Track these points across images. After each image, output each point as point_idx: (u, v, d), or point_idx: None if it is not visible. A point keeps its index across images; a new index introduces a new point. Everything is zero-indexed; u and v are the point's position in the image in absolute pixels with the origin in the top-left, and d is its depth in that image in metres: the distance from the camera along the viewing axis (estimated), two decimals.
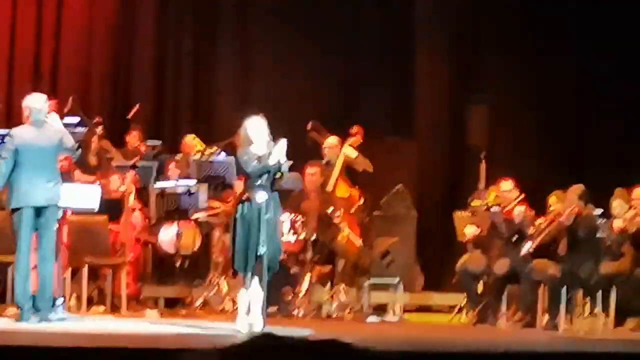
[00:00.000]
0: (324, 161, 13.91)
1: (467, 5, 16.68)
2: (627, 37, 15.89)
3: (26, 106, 11.10)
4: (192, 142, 14.30)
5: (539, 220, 12.67)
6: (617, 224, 12.52)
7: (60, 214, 11.13)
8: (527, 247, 12.37)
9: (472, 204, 13.77)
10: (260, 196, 10.63)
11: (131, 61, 16.96)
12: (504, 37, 16.47)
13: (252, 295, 10.64)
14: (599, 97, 16.15)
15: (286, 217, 12.64)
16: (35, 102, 11.09)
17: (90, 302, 12.52)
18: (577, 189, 12.46)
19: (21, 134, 11.00)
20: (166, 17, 17.07)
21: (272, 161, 10.59)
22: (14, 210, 10.89)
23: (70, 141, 11.03)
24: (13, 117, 15.70)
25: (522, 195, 13.06)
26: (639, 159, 14.07)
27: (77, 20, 16.77)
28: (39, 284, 10.89)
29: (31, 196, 10.77)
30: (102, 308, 12.55)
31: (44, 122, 11.03)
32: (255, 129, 10.80)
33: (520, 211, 12.79)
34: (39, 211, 10.82)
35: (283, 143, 10.66)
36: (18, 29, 16.58)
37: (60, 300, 11.22)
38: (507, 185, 13.24)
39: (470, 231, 13.13)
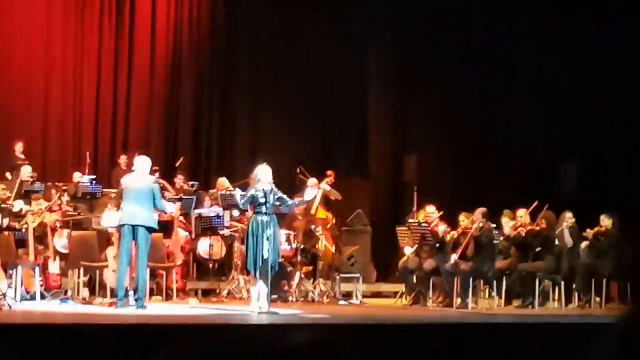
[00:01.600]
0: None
1: (403, 90, 16.73)
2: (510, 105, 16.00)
3: (134, 162, 11.35)
4: (223, 182, 14.28)
5: (453, 232, 12.66)
6: (507, 230, 12.55)
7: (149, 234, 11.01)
8: (454, 257, 12.30)
9: (409, 221, 13.72)
10: (264, 218, 10.63)
11: (177, 127, 16.86)
12: (428, 112, 16.50)
13: (260, 287, 10.57)
14: (492, 151, 16.20)
15: (283, 232, 12.47)
16: (138, 161, 11.30)
17: (151, 293, 12.30)
18: (482, 210, 12.37)
19: (125, 179, 11.22)
20: (201, 97, 17.09)
21: (271, 200, 10.59)
22: (120, 226, 10.99)
23: (159, 202, 11.13)
24: (98, 165, 15.72)
25: (438, 215, 13.00)
26: (518, 192, 14.03)
27: (141, 98, 16.76)
28: (138, 281, 10.86)
29: (129, 218, 10.82)
30: (159, 297, 12.44)
31: (143, 173, 11.11)
32: (263, 173, 10.79)
33: (442, 228, 12.77)
34: (135, 229, 10.82)
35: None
36: (101, 106, 16.58)
37: (131, 292, 11.17)
38: (430, 208, 13.10)
39: (407, 251, 13.07)
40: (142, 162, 11.21)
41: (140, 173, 11.09)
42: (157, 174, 14.45)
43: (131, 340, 7.62)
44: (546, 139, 15.90)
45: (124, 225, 10.84)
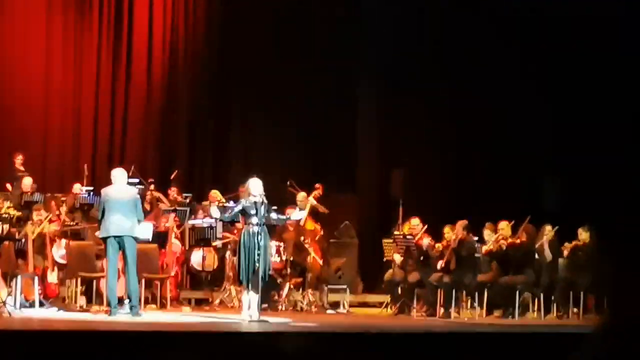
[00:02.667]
0: (297, 207, 13.90)
1: (390, 108, 16.77)
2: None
3: (112, 175, 11.24)
4: (215, 194, 14.29)
5: (437, 245, 12.70)
6: (486, 248, 12.59)
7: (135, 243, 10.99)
8: (440, 263, 12.39)
9: (395, 233, 13.74)
10: (255, 229, 10.63)
11: (172, 141, 16.95)
12: (414, 129, 16.55)
13: (251, 297, 10.58)
14: (476, 167, 16.25)
15: (273, 244, 12.46)
16: (117, 172, 11.25)
17: (147, 302, 12.41)
18: (463, 223, 12.44)
19: (107, 191, 11.11)
20: (195, 113, 17.14)
21: (262, 211, 10.61)
22: (104, 239, 10.93)
23: (140, 213, 11.05)
24: (96, 178, 15.72)
25: (423, 228, 13.01)
26: (500, 206, 14.03)
27: (137, 113, 16.80)
28: (129, 291, 10.83)
29: (112, 229, 10.79)
30: (154, 306, 12.47)
31: (122, 184, 11.11)
32: (254, 185, 10.83)
33: (426, 241, 12.82)
34: (120, 240, 10.79)
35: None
36: (99, 119, 16.61)
37: (127, 300, 11.15)
38: (415, 221, 13.15)
39: (397, 258, 13.11)
40: (121, 174, 11.23)
41: (120, 184, 11.09)
42: (152, 186, 14.53)
43: (126, 346, 7.62)
44: (529, 155, 15.96)
45: (109, 236, 10.80)
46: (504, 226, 12.58)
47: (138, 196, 11.25)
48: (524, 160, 15.98)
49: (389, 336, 9.17)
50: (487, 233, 12.73)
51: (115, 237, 10.77)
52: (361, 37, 16.90)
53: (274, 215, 10.90)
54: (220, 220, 11.77)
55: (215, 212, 11.20)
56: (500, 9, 15.94)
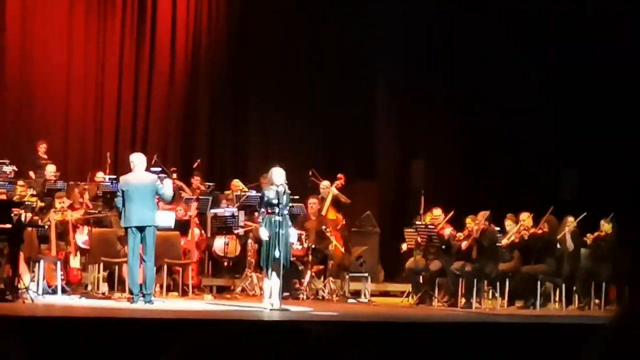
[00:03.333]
0: (319, 196, 13.88)
1: (409, 98, 16.71)
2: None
3: (131, 160, 11.17)
4: (237, 184, 14.30)
5: (459, 234, 12.67)
6: (505, 240, 12.53)
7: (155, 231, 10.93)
8: (464, 244, 12.35)
9: (416, 223, 13.67)
10: (277, 218, 10.65)
11: (194, 130, 16.94)
12: (434, 118, 16.49)
13: (272, 285, 10.61)
14: (497, 157, 16.21)
15: (295, 232, 12.47)
16: (136, 158, 11.16)
17: (168, 289, 12.42)
18: (485, 213, 12.40)
19: (126, 178, 11.02)
20: (217, 102, 17.13)
21: (284, 201, 10.63)
22: (125, 228, 10.91)
23: (163, 190, 10.99)
24: (118, 166, 15.75)
25: (448, 216, 12.97)
26: (520, 197, 13.97)
27: (160, 102, 16.82)
28: (145, 278, 10.83)
29: (134, 219, 10.75)
30: (175, 293, 12.47)
31: (141, 170, 11.04)
32: (276, 175, 10.84)
33: (448, 230, 12.79)
34: (141, 229, 10.76)
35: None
36: (122, 108, 16.64)
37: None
38: (437, 211, 13.15)
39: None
40: (139, 159, 11.07)
41: (139, 171, 10.97)
42: (174, 175, 14.55)
43: (147, 333, 7.64)
44: (549, 145, 15.90)
45: (131, 226, 10.76)
46: (526, 217, 12.56)
47: (157, 180, 11.08)
48: (545, 153, 15.93)
49: (409, 326, 9.16)
50: (508, 224, 12.69)
51: (136, 227, 10.77)
52: (374, 30, 16.85)
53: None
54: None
55: (264, 234, 10.90)
56: (508, 8, 15.92)
